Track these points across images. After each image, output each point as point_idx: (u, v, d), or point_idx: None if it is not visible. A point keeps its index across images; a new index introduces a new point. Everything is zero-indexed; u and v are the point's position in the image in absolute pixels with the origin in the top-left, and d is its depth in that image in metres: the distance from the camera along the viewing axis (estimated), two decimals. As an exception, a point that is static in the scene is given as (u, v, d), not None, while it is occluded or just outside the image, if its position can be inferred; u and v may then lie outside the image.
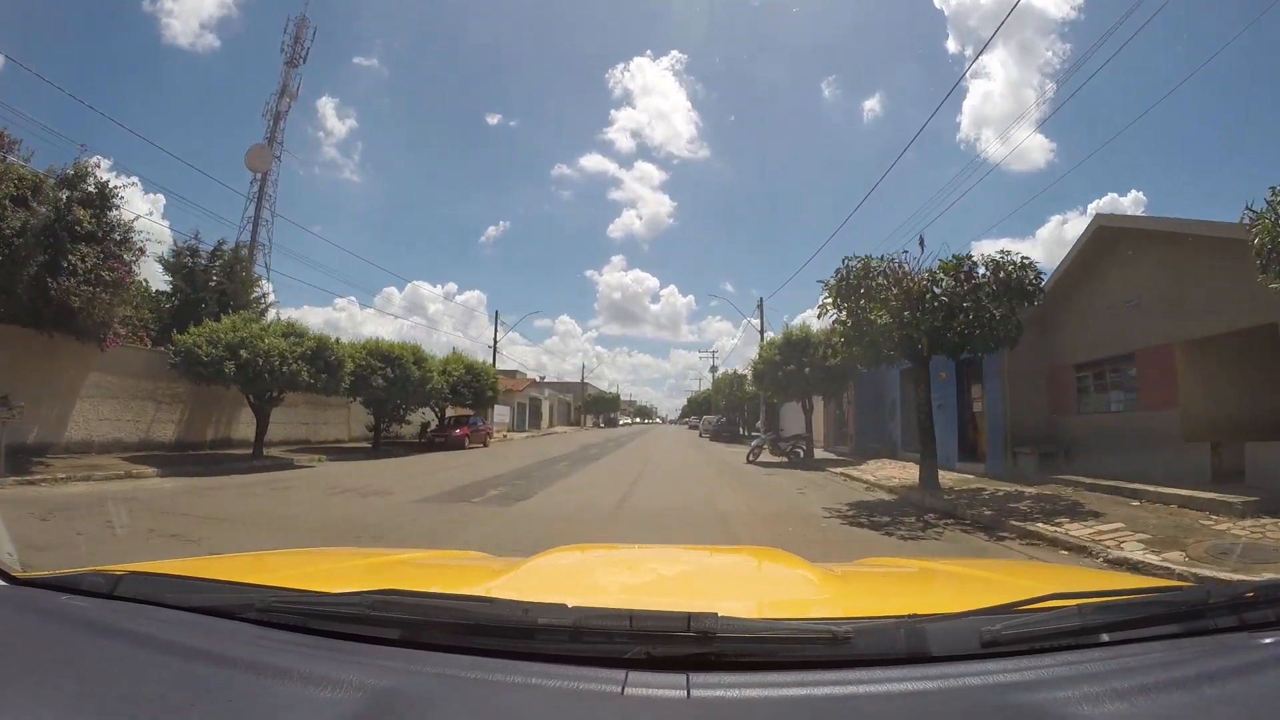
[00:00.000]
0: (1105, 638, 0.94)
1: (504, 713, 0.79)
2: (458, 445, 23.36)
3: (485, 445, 25.83)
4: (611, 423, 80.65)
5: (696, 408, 75.32)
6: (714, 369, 57.19)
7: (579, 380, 77.63)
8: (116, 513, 7.21)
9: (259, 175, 36.31)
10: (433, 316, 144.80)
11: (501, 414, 43.85)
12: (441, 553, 2.44)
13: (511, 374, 55.11)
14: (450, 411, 26.42)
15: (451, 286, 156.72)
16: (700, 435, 41.40)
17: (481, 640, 0.91)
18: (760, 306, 29.16)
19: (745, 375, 40.88)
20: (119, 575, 1.14)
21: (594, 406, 79.27)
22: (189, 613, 1.05)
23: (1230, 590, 1.07)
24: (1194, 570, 5.03)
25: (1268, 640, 0.93)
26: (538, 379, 61.50)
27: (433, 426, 24.91)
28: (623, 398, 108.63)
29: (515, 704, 0.79)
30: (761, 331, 28.44)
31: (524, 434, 41.80)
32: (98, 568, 1.19)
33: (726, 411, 42.49)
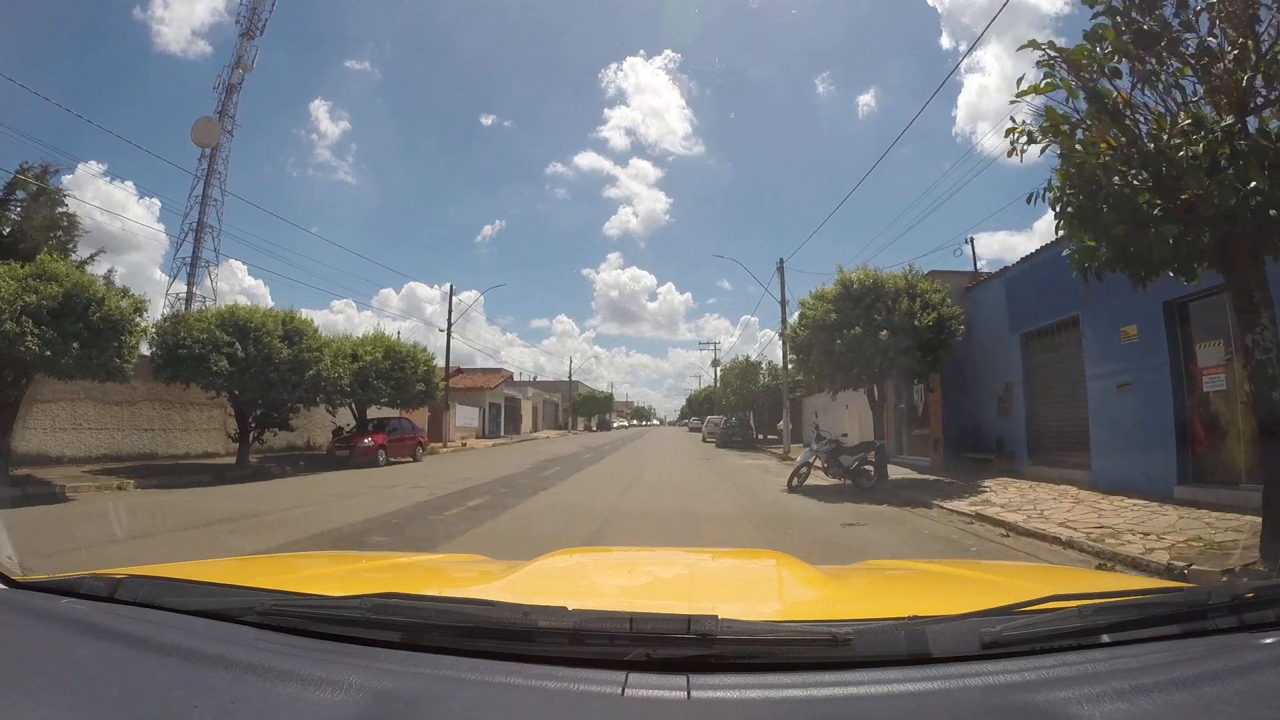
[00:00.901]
0: (1105, 638, 0.92)
1: (504, 715, 0.79)
2: (368, 460, 16.61)
3: (415, 459, 18.94)
4: (605, 425, 73.79)
5: (697, 407, 68.56)
6: (716, 362, 50.57)
7: (569, 379, 70.86)
8: None
9: (207, 151, 33.94)
10: (430, 318, 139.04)
11: (469, 416, 37.36)
12: (441, 556, 2.72)
13: (496, 371, 48.77)
14: (376, 412, 19.89)
15: (448, 287, 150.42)
16: (704, 440, 34.61)
17: (482, 643, 0.91)
18: (780, 270, 22.57)
19: (759, 363, 34.15)
20: (119, 578, 1.14)
21: (585, 408, 72.34)
22: (189, 616, 1.04)
23: (1230, 590, 1.01)
24: None
25: (1268, 640, 0.91)
26: (516, 376, 54.86)
27: (348, 431, 18.37)
28: (619, 398, 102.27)
29: (515, 706, 0.80)
30: (783, 302, 21.95)
31: (492, 441, 34.93)
32: (97, 571, 1.18)
33: (735, 410, 35.27)
